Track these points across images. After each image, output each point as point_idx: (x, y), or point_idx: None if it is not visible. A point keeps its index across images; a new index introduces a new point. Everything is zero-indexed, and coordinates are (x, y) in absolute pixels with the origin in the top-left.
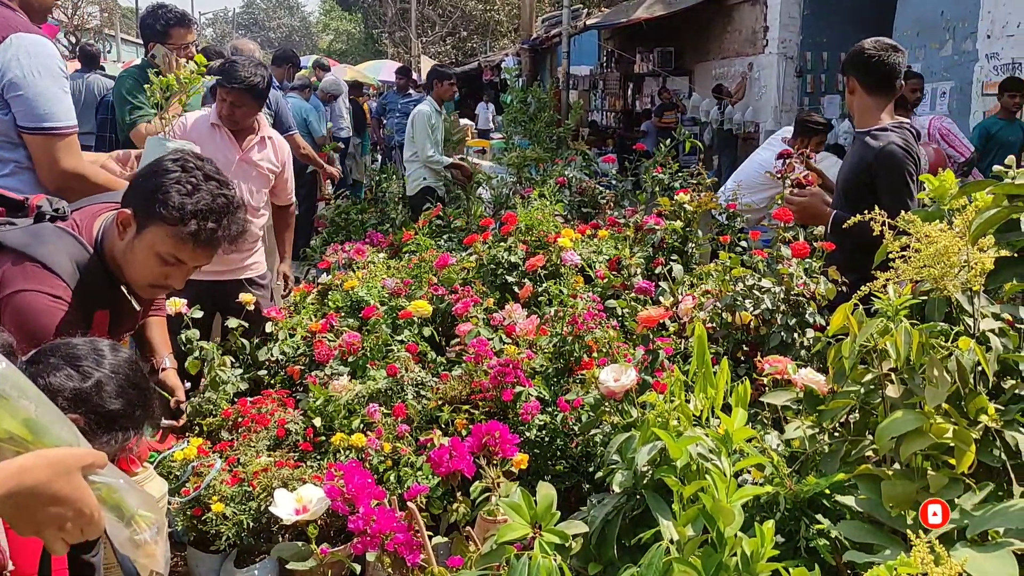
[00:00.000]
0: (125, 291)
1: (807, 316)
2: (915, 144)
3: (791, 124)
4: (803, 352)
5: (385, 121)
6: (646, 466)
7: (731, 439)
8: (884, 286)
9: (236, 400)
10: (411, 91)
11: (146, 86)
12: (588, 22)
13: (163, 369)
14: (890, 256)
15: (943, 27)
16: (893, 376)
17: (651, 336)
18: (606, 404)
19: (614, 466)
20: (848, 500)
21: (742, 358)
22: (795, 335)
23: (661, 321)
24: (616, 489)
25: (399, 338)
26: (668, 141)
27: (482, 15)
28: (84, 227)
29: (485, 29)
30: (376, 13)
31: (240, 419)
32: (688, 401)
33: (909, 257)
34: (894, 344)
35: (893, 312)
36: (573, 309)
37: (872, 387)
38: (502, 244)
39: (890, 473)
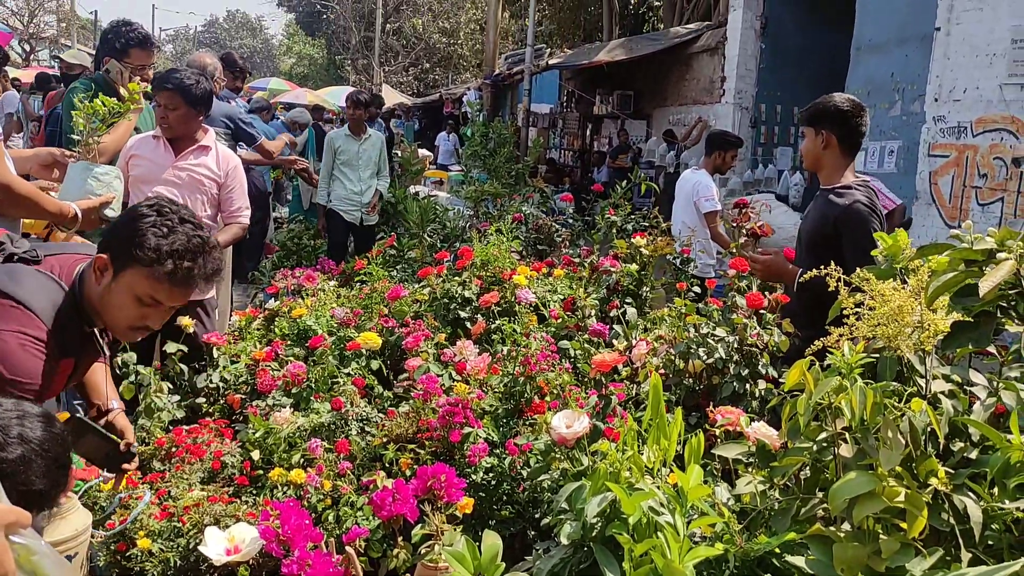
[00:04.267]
0: (98, 335)
1: (760, 367)
2: (878, 202)
3: (748, 171)
4: (755, 403)
5: None
6: (596, 518)
7: (686, 496)
8: (838, 342)
9: (171, 428)
10: (380, 119)
11: (73, 112)
12: (550, 61)
13: (110, 411)
14: (844, 312)
15: (892, 88)
16: (847, 435)
17: (604, 380)
18: (557, 450)
19: (562, 516)
20: (798, 560)
21: (693, 406)
22: (747, 386)
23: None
24: (564, 540)
25: (346, 370)
26: (624, 183)
27: (445, 48)
28: (64, 272)
29: (448, 62)
30: (340, 39)
31: (174, 449)
32: (641, 451)
33: (863, 314)
34: (849, 403)
35: (847, 370)
36: (526, 349)
37: (825, 445)
38: (456, 278)
39: (842, 535)
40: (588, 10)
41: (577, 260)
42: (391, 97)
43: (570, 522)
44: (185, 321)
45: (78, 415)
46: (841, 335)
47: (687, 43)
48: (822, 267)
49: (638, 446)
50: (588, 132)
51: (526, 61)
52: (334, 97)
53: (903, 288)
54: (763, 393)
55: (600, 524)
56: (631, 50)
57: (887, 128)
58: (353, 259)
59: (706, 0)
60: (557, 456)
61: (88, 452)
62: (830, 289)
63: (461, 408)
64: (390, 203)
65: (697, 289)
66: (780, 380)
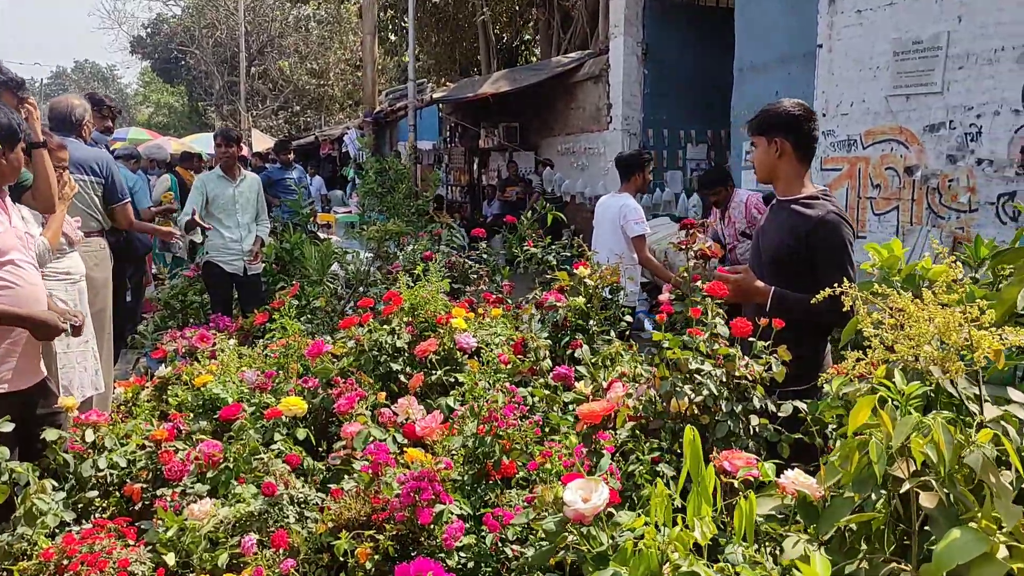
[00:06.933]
0: None
1: (755, 401)
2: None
3: (644, 196)
4: (751, 443)
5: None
6: None
7: None
8: (885, 371)
9: (60, 534)
10: (295, 165)
11: None
12: (434, 96)
13: None
14: (864, 334)
15: None
16: (934, 482)
17: (591, 433)
18: (571, 529)
19: None
20: None
21: (678, 451)
22: (741, 423)
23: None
24: None
25: (272, 444)
26: (530, 214)
27: (315, 89)
28: None
29: (319, 103)
30: (202, 85)
31: (66, 562)
32: (675, 523)
33: (884, 336)
34: (934, 446)
35: (903, 403)
36: (492, 404)
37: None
38: (385, 327)
39: None
40: (463, 45)
41: (501, 295)
42: (260, 142)
43: None
44: (68, 402)
45: None
46: (863, 359)
47: (570, 72)
48: (798, 283)
49: (676, 517)
50: (476, 166)
51: (409, 96)
52: (201, 144)
53: (936, 304)
54: (757, 429)
55: None
56: (515, 81)
57: None
58: (241, 314)
59: (583, 29)
60: (570, 535)
61: None
62: (844, 309)
63: (428, 482)
64: (285, 250)
65: (629, 319)
66: (777, 414)
